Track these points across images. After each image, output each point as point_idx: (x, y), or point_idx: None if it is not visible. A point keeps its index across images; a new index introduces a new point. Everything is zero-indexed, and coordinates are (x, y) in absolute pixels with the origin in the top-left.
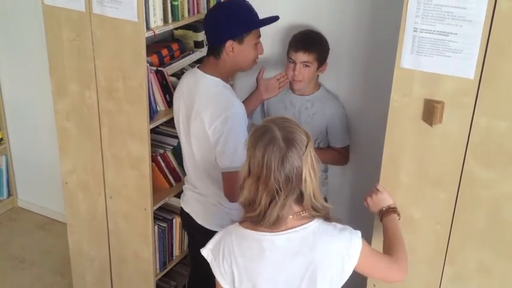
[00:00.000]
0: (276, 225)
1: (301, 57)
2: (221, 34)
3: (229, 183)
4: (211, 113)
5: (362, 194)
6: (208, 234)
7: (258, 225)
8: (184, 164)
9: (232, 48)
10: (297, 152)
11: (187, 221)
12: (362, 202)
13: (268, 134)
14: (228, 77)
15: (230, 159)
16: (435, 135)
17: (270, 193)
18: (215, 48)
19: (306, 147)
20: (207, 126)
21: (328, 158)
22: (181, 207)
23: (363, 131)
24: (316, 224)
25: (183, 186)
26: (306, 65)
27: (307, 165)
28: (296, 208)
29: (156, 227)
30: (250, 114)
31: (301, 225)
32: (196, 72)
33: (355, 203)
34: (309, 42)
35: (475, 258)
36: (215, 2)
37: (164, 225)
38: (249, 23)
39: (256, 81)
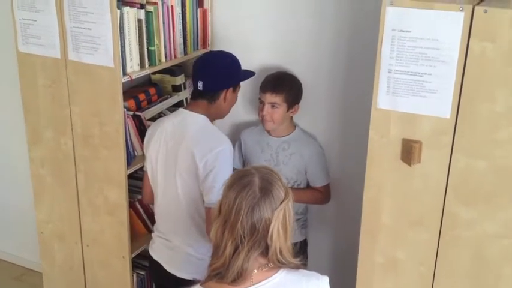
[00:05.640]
0: (239, 280)
1: (269, 98)
2: (223, 81)
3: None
4: (202, 147)
5: (344, 235)
6: (180, 284)
7: (222, 281)
8: (156, 211)
9: (228, 95)
10: (270, 204)
11: (156, 270)
12: (344, 245)
13: (247, 178)
14: (213, 121)
15: (217, 194)
16: (414, 175)
17: (235, 241)
18: (211, 95)
19: (281, 203)
20: (198, 160)
21: (309, 197)
22: (150, 256)
23: (343, 171)
24: (281, 274)
25: (153, 234)
26: (274, 106)
27: (278, 221)
28: (261, 260)
29: (135, 276)
30: None
31: (267, 278)
32: (182, 112)
33: (337, 246)
34: (277, 84)
35: None
36: (193, 48)
37: (143, 274)
38: (245, 73)
39: None
